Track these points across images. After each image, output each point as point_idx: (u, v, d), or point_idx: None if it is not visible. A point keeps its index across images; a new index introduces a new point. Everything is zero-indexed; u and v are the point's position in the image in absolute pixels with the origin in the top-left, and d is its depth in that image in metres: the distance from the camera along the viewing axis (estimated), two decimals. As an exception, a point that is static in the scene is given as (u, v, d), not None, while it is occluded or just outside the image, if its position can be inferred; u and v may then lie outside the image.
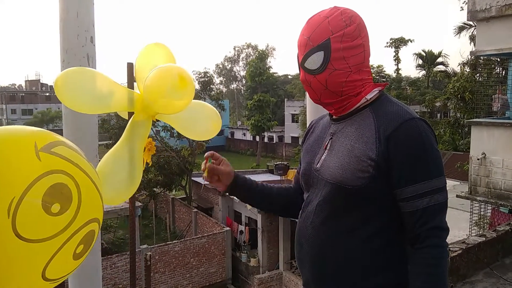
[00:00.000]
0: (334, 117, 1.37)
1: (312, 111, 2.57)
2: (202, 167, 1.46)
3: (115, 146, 1.79)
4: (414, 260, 1.18)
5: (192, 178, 20.54)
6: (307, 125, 1.60)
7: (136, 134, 1.80)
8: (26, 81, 69.20)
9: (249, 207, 14.41)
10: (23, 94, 60.83)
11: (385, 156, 1.18)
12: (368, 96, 1.28)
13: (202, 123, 2.05)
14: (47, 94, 62.30)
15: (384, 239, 1.24)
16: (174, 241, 14.17)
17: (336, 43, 1.23)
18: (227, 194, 1.55)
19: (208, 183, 1.50)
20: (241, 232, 15.74)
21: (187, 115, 1.89)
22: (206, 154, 1.47)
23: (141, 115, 1.78)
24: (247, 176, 1.59)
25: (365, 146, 1.22)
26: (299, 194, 1.50)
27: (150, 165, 2.28)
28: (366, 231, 1.23)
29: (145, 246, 12.62)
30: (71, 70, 1.60)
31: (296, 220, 1.43)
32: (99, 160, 1.87)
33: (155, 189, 19.46)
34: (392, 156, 1.18)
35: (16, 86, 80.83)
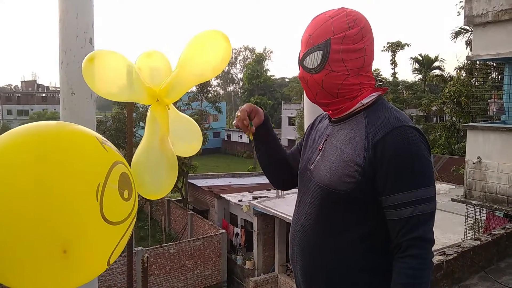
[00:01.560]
0: (332, 118, 1.36)
1: (310, 113, 2.57)
2: (246, 132, 1.48)
3: (142, 143, 1.78)
4: (394, 269, 1.17)
5: (188, 180, 20.50)
6: (305, 128, 1.60)
7: (158, 124, 1.78)
8: (22, 81, 68.95)
9: (245, 209, 14.39)
10: (19, 95, 60.55)
11: (372, 163, 1.17)
12: (364, 101, 1.27)
13: (186, 142, 2.01)
14: (43, 95, 62.09)
15: (370, 245, 1.23)
16: (170, 243, 14.12)
17: (336, 45, 1.21)
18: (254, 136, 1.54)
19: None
20: (237, 234, 15.71)
21: (174, 128, 1.85)
22: (244, 118, 1.45)
23: (157, 107, 1.75)
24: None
25: (354, 152, 1.21)
26: (293, 163, 1.54)
27: None
28: (352, 236, 1.23)
29: (140, 248, 12.56)
30: (105, 51, 1.58)
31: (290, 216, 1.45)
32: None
33: (151, 191, 19.40)
34: (378, 163, 1.16)
35: (12, 87, 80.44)
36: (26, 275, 1.07)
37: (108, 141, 1.29)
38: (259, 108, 1.51)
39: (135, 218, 1.30)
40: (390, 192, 1.16)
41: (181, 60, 1.70)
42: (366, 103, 1.27)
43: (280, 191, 14.71)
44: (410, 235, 1.14)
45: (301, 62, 1.28)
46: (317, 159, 1.33)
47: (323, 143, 1.34)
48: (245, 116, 1.44)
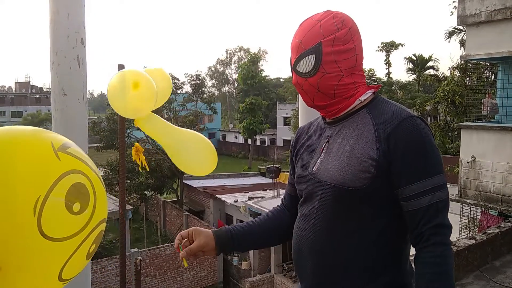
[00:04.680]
0: (328, 120, 1.35)
1: (305, 113, 2.57)
2: (180, 256, 1.38)
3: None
4: (419, 260, 1.17)
5: (184, 181, 20.46)
6: (296, 131, 1.57)
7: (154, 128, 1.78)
8: (15, 83, 68.50)
9: (242, 210, 14.38)
10: (13, 96, 60.17)
11: (386, 155, 1.18)
12: (362, 98, 1.28)
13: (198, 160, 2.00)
14: (37, 96, 61.71)
15: (386, 240, 1.23)
16: (165, 245, 14.08)
17: (327, 47, 1.22)
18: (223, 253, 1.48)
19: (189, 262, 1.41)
20: (233, 235, 15.69)
21: (184, 146, 1.85)
22: (175, 243, 1.40)
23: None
24: (229, 227, 1.49)
25: (366, 146, 1.21)
26: (294, 210, 1.45)
27: (147, 169, 2.29)
28: (368, 232, 1.23)
29: (135, 249, 12.52)
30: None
31: None
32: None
33: (146, 192, 19.34)
34: (393, 154, 1.17)
35: (6, 88, 79.94)
36: None
37: (74, 147, 1.20)
38: (204, 230, 1.43)
39: (97, 231, 1.21)
40: (408, 183, 1.17)
41: None
42: (365, 100, 1.29)
43: (275, 191, 14.72)
44: (432, 223, 1.15)
45: (294, 68, 1.29)
46: (318, 161, 1.31)
47: (325, 145, 1.32)
48: (177, 239, 1.40)
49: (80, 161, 1.18)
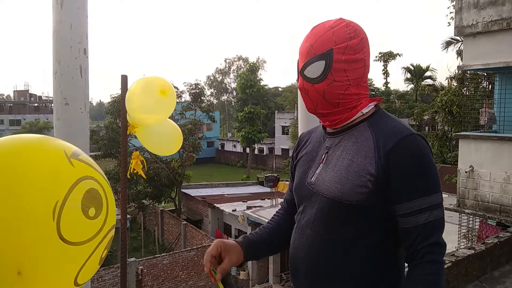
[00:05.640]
0: (329, 130, 1.35)
1: (304, 122, 2.58)
2: (212, 280, 1.32)
3: None
4: (413, 276, 1.16)
5: (182, 190, 20.41)
6: (298, 137, 1.58)
7: None
8: (14, 91, 68.53)
9: (240, 219, 14.33)
10: (11, 105, 60.14)
11: (385, 172, 1.17)
12: (364, 110, 1.27)
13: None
14: (36, 104, 61.71)
15: (381, 253, 1.23)
16: (163, 254, 14.00)
17: (338, 54, 1.21)
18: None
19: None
20: (231, 244, 15.60)
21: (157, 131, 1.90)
22: (206, 267, 1.33)
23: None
24: (251, 237, 1.47)
25: (365, 161, 1.20)
26: (293, 213, 1.46)
27: (144, 177, 2.32)
28: (362, 246, 1.22)
29: (133, 259, 12.44)
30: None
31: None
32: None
33: (144, 201, 19.27)
34: (392, 171, 1.17)
35: (4, 97, 79.94)
36: None
37: (83, 154, 1.23)
38: (233, 246, 1.38)
39: (109, 236, 1.23)
40: (405, 200, 1.17)
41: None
42: (366, 113, 1.28)
43: (274, 200, 14.70)
44: (428, 241, 1.15)
45: (301, 72, 1.27)
46: (317, 171, 1.31)
47: (324, 155, 1.32)
48: (207, 261, 1.33)
49: (92, 168, 1.22)
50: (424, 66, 33.48)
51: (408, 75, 34.32)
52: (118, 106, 19.17)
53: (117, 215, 1.56)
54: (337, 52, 1.21)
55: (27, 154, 1.11)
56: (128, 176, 2.15)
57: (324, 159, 1.31)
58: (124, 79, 1.97)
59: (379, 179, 1.18)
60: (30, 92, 66.56)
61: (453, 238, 8.24)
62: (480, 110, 8.59)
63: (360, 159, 1.21)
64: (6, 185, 1.04)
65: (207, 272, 1.34)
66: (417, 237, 1.16)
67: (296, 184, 1.40)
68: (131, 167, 2.49)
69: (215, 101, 53.93)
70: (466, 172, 7.46)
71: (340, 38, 1.22)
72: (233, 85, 54.09)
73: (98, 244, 1.18)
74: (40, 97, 65.88)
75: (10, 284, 1.03)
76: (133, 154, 2.57)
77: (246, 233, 12.30)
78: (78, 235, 1.12)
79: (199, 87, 25.17)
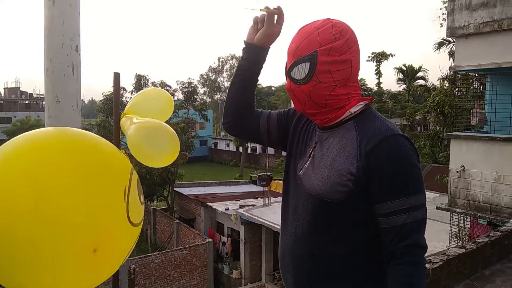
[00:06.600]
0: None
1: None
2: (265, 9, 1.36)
3: None
4: (391, 277, 1.17)
5: (174, 189, 20.34)
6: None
7: None
8: (5, 88, 67.78)
9: (233, 218, 14.31)
10: (2, 102, 59.51)
11: (365, 171, 1.18)
12: (353, 110, 1.27)
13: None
14: (27, 102, 61.12)
15: (366, 252, 1.23)
16: (155, 253, 13.94)
17: (322, 56, 1.21)
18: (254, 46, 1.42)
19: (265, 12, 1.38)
20: (224, 243, 15.60)
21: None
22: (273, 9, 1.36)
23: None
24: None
25: (346, 161, 1.21)
26: (265, 121, 1.50)
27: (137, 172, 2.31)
28: (346, 244, 1.23)
29: (125, 258, 12.37)
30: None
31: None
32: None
33: (136, 199, 19.19)
34: (371, 171, 1.17)
35: (-5, 94, 79.04)
36: (57, 274, 1.11)
37: None
38: (275, 30, 1.40)
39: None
40: (384, 200, 1.17)
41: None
42: (355, 112, 1.28)
43: (267, 199, 14.71)
44: (405, 242, 1.15)
45: (288, 73, 1.28)
46: (305, 165, 1.33)
47: (312, 150, 1.33)
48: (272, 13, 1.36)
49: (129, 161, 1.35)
50: (416, 66, 33.78)
51: (401, 76, 34.56)
52: (110, 104, 19.07)
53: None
54: (321, 54, 1.21)
55: (97, 147, 1.23)
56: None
57: (312, 153, 1.33)
58: (116, 76, 1.96)
59: (360, 178, 1.18)
60: (21, 89, 65.87)
61: (444, 237, 8.31)
62: (471, 110, 8.67)
63: (343, 158, 1.22)
64: (87, 174, 1.13)
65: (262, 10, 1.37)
66: (394, 237, 1.17)
67: (286, 174, 1.44)
68: None
69: (208, 100, 53.75)
70: (457, 172, 7.52)
71: (325, 40, 1.21)
72: (226, 83, 53.99)
73: (141, 228, 1.33)
74: (31, 94, 65.22)
75: (85, 261, 1.12)
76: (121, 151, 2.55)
77: (239, 232, 12.18)
78: (137, 217, 1.25)
79: (192, 85, 25.11)
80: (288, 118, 1.51)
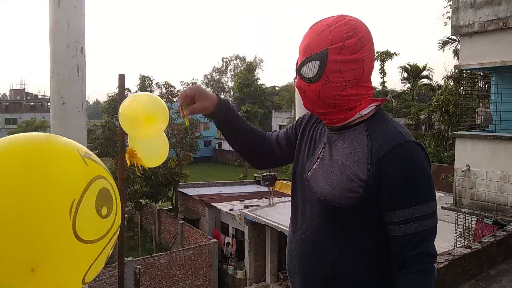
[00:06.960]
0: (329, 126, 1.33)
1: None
2: (181, 115, 1.43)
3: None
4: (400, 285, 1.16)
5: (179, 189, 20.38)
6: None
7: None
8: (10, 90, 68.24)
9: (237, 218, 14.33)
10: (7, 104, 59.87)
11: (376, 178, 1.15)
12: (363, 112, 1.23)
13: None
14: (32, 103, 61.48)
15: (371, 259, 1.21)
16: (160, 253, 13.98)
17: (333, 55, 1.16)
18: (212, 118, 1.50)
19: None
20: (228, 244, 15.62)
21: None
22: (179, 100, 1.42)
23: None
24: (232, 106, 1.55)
25: (356, 166, 1.18)
26: (276, 146, 1.55)
27: (146, 167, 2.35)
28: (355, 249, 1.21)
29: (130, 258, 12.41)
30: None
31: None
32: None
33: (141, 200, 19.24)
34: (383, 178, 1.14)
35: (0, 95, 79.56)
36: None
37: (93, 154, 1.25)
38: (209, 94, 1.46)
39: (116, 235, 1.25)
40: (395, 208, 1.15)
41: None
42: (366, 114, 1.24)
43: (271, 199, 14.71)
44: (416, 251, 1.14)
45: (298, 71, 1.25)
46: (314, 167, 1.30)
47: (321, 151, 1.30)
48: (181, 98, 1.42)
49: (103, 168, 1.24)
50: (421, 65, 33.59)
51: (405, 75, 34.41)
52: (115, 105, 19.13)
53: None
54: (332, 53, 1.16)
55: (44, 153, 1.12)
56: (138, 174, 2.25)
57: (321, 155, 1.30)
58: (121, 78, 1.97)
59: (370, 185, 1.15)
60: (26, 90, 66.28)
61: (449, 237, 8.28)
62: (476, 109, 8.62)
63: (353, 163, 1.19)
64: (25, 184, 1.04)
65: (178, 107, 1.42)
66: (405, 246, 1.15)
67: (295, 172, 1.41)
68: (134, 163, 2.48)
69: (212, 100, 53.74)
70: (462, 171, 7.49)
71: (337, 38, 1.16)
72: (230, 84, 54.09)
73: (107, 243, 1.20)
74: (36, 96, 65.61)
75: (22, 281, 1.04)
76: (127, 149, 2.55)
77: (243, 232, 12.16)
78: (91, 233, 1.13)
79: (196, 86, 25.08)
80: (296, 128, 1.52)
